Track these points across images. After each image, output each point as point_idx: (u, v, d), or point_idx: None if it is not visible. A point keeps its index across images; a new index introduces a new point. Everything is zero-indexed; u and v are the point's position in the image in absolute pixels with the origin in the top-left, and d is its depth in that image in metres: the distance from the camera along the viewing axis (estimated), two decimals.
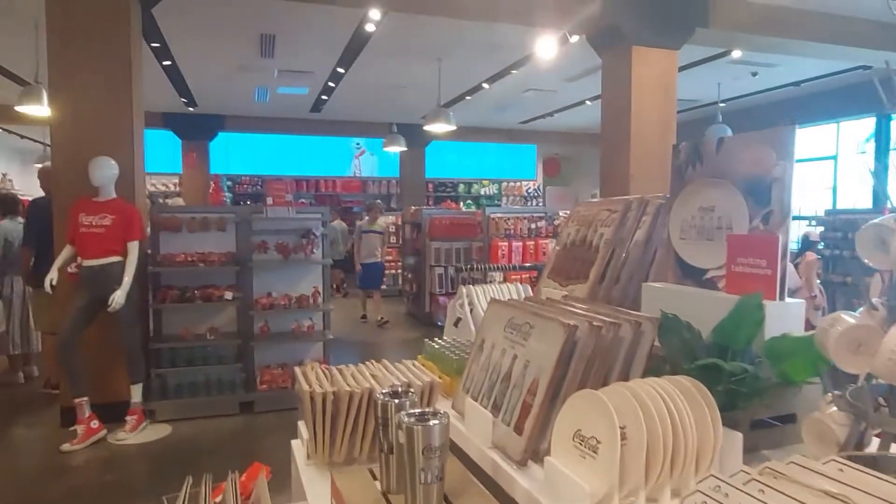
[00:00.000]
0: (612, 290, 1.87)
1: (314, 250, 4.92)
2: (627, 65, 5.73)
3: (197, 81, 9.42)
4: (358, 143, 14.51)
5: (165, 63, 7.94)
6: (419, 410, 1.21)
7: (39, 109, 6.55)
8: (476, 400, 1.50)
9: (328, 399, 1.67)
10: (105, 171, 4.12)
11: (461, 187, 16.47)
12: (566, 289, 1.99)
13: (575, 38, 6.60)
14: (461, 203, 15.35)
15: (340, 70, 8.66)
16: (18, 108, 6.57)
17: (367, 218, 9.17)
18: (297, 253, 4.86)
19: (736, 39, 6.64)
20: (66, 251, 4.19)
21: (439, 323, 8.20)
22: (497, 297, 2.43)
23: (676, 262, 1.61)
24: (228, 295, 4.64)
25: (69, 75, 4.30)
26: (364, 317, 8.91)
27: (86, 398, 4.10)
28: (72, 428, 4.10)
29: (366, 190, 15.72)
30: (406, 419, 1.14)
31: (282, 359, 4.94)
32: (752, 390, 1.19)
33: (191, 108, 11.24)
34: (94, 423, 4.11)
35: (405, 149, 11.54)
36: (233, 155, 13.46)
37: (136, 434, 4.20)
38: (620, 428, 1.00)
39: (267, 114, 12.26)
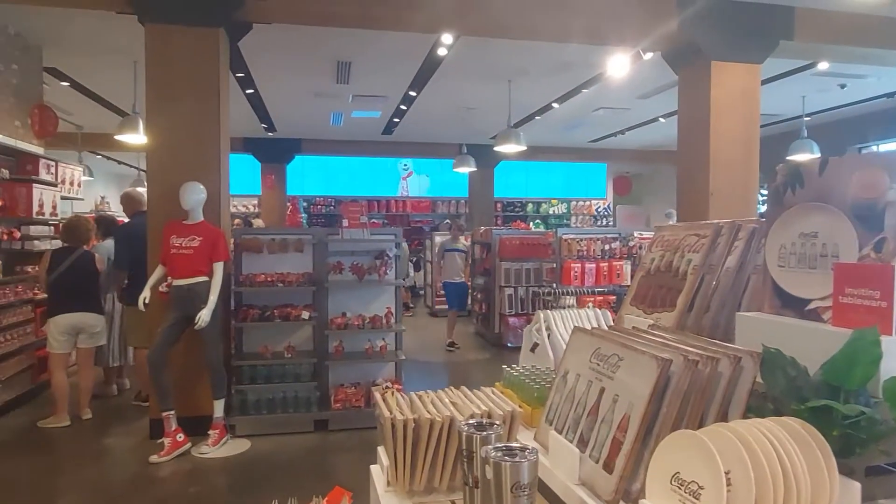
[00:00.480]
0: (701, 319, 1.78)
1: (388, 271, 5.00)
2: (706, 81, 5.55)
3: (276, 108, 9.85)
4: (405, 165, 14.79)
5: (248, 91, 8.35)
6: (506, 445, 1.19)
7: (136, 137, 7.02)
8: (560, 433, 1.46)
9: (409, 426, 1.66)
10: (194, 195, 4.35)
11: (530, 207, 16.37)
12: (651, 317, 1.92)
13: (649, 56, 6.47)
14: (530, 223, 15.23)
15: (412, 93, 8.84)
16: (118, 137, 7.07)
17: (449, 236, 9.07)
18: (371, 274, 4.95)
19: (822, 51, 6.30)
20: (158, 271, 4.44)
21: (509, 344, 8.12)
22: (579, 325, 2.37)
23: (774, 290, 1.51)
24: (305, 314, 4.77)
25: (164, 106, 4.59)
26: (452, 344, 8.27)
27: (172, 412, 4.30)
28: (159, 440, 4.30)
29: (435, 210, 15.88)
30: (493, 454, 1.12)
31: (355, 378, 5.02)
32: (870, 435, 1.10)
33: (270, 133, 11.77)
34: (180, 437, 4.29)
35: (474, 169, 11.60)
36: (308, 177, 13.96)
37: (217, 448, 4.36)
38: (725, 473, 0.94)
39: (341, 137, 12.66)
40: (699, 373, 1.20)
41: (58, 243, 6.36)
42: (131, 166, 15.30)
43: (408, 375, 5.34)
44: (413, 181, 14.98)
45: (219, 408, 4.44)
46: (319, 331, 4.94)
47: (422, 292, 12.80)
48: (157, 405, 4.35)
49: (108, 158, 14.03)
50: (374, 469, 1.98)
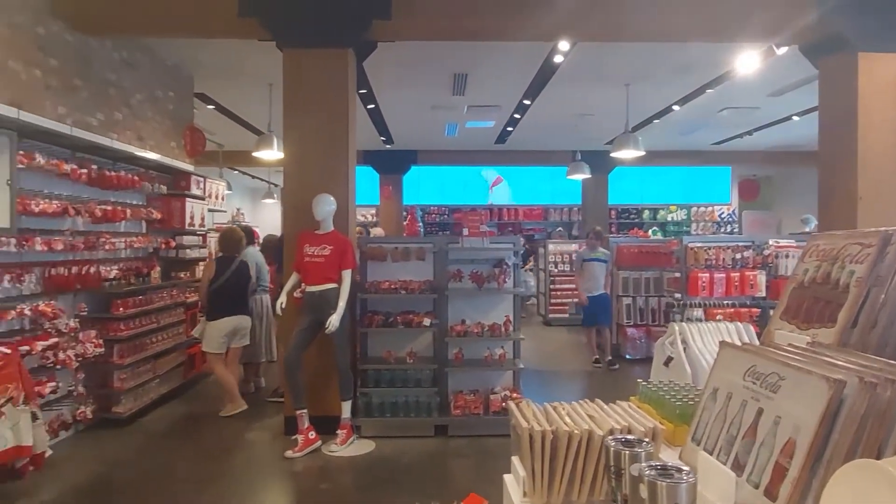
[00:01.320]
0: (867, 336, 1.64)
1: (507, 280, 5.02)
2: (852, 73, 5.08)
3: (394, 121, 10.24)
4: (492, 173, 14.76)
5: (370, 107, 8.75)
6: (660, 464, 1.16)
7: (270, 153, 7.61)
8: (711, 454, 1.40)
9: (547, 438, 1.66)
10: (326, 206, 4.63)
11: (646, 213, 15.74)
12: (806, 333, 1.78)
13: (783, 50, 6.03)
14: (648, 230, 14.65)
15: (526, 102, 8.84)
16: (255, 154, 7.69)
17: (585, 246, 8.12)
18: (490, 282, 5.00)
19: None
20: (293, 278, 4.77)
21: (627, 356, 7.85)
22: (721, 339, 2.25)
23: None
24: (427, 321, 4.91)
25: (299, 124, 4.93)
26: (597, 360, 7.58)
27: (305, 410, 4.59)
28: (293, 437, 4.60)
29: (547, 218, 15.73)
30: (649, 473, 1.10)
31: (473, 385, 5.08)
32: None
33: (388, 146, 12.24)
34: (312, 434, 4.56)
35: (589, 176, 11.36)
36: (422, 186, 14.37)
37: (345, 447, 4.58)
38: None
39: (455, 147, 12.90)
40: (878, 397, 1.10)
41: (205, 252, 7.06)
42: (263, 180, 16.55)
43: (525, 385, 5.31)
44: (501, 189, 14.96)
45: (346, 409, 4.67)
46: (440, 338, 5.05)
47: (534, 300, 12.69)
48: (290, 404, 4.65)
49: (244, 173, 15.26)
50: (508, 479, 2.00)
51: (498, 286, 4.99)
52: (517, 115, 9.78)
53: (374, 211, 14.55)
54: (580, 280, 7.78)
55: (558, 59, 6.65)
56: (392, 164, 13.09)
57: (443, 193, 14.72)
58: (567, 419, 1.78)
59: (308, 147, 4.94)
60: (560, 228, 14.82)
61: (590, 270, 7.59)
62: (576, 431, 1.66)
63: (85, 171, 4.74)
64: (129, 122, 5.87)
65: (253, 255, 6.13)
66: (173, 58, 6.70)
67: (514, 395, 4.89)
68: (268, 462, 4.48)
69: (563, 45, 6.20)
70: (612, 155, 8.76)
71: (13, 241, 4.01)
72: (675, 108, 9.14)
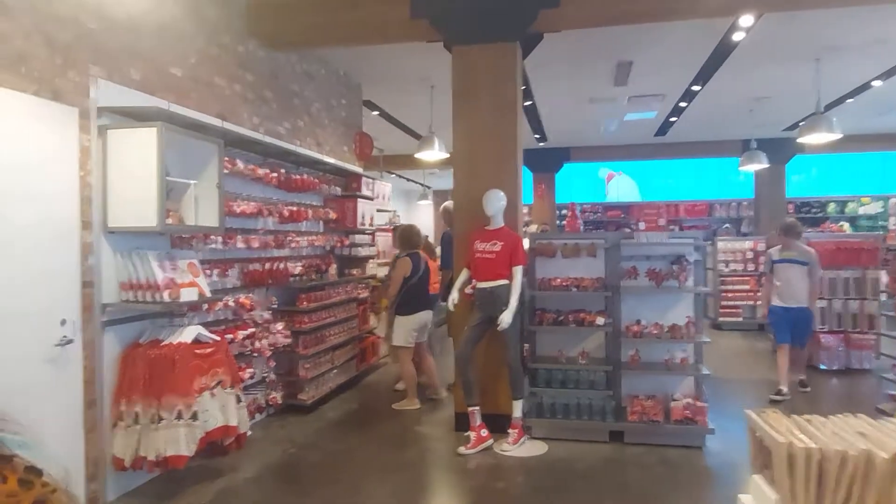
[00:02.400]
0: None
1: (688, 277, 4.64)
2: None
3: (550, 117, 10.04)
4: (605, 170, 13.92)
5: (526, 104, 8.63)
6: None
7: (432, 154, 7.79)
8: None
9: (814, 458, 1.42)
10: (497, 202, 4.59)
11: (831, 207, 13.95)
12: None
13: None
14: (839, 224, 12.98)
15: (695, 88, 8.20)
16: (417, 155, 7.92)
17: (778, 244, 6.20)
18: (669, 280, 4.65)
19: None
20: (464, 274, 4.79)
21: (822, 367, 6.96)
22: None
23: None
24: (600, 320, 4.68)
25: (468, 121, 4.95)
26: (802, 383, 6.21)
27: (477, 407, 4.58)
28: (465, 433, 4.61)
29: (712, 214, 14.55)
30: None
31: (650, 389, 4.75)
32: None
33: (541, 143, 12.06)
34: (484, 432, 4.54)
35: (765, 166, 10.31)
36: (574, 183, 13.98)
37: (517, 447, 4.50)
38: None
39: (610, 142, 12.39)
40: None
41: (373, 250, 7.40)
42: (417, 183, 17.18)
43: (707, 393, 4.87)
44: (619, 183, 14.00)
45: (517, 408, 4.59)
46: (613, 338, 4.80)
47: None
48: (463, 400, 4.66)
49: (400, 176, 15.92)
50: (745, 500, 1.77)
51: (679, 284, 4.62)
52: (683, 104, 9.12)
53: (526, 210, 14.43)
54: (768, 286, 6.17)
55: (738, 36, 6.06)
56: (545, 162, 12.88)
57: (595, 191, 14.22)
58: (831, 435, 1.52)
59: (477, 143, 4.94)
60: (727, 225, 13.65)
61: (784, 275, 5.91)
62: (851, 452, 1.40)
63: (275, 175, 5.14)
64: (310, 130, 6.30)
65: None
66: (344, 68, 7.09)
67: (698, 403, 4.50)
68: (441, 456, 4.53)
69: (746, 21, 5.63)
70: (800, 140, 7.79)
71: (220, 239, 4.44)
72: (876, 83, 7.97)
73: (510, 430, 4.56)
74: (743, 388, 6.39)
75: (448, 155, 7.94)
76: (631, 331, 4.68)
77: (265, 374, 5.09)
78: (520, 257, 4.55)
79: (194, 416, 3.58)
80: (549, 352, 4.94)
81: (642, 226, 4.60)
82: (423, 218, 17.95)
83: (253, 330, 4.77)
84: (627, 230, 5.91)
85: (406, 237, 6.03)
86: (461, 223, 4.99)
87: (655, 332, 4.64)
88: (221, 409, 3.85)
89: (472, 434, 4.53)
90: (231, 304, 4.55)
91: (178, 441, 3.53)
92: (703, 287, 4.80)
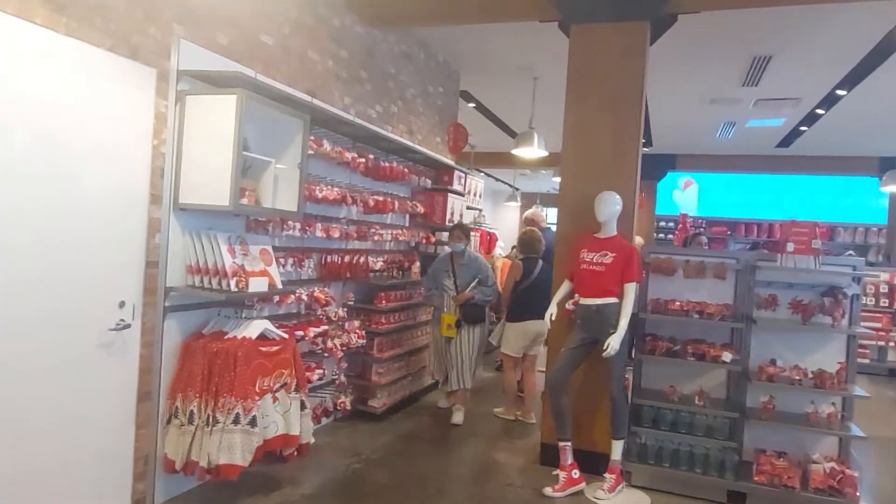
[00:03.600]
0: None
1: (844, 314, 3.79)
2: None
3: (660, 119, 9.15)
4: (683, 178, 12.56)
5: None
6: None
7: (530, 151, 7.16)
8: None
9: None
10: (611, 206, 3.94)
11: None
12: None
13: None
14: None
15: (840, 92, 7.11)
16: (514, 151, 7.32)
17: None
18: (819, 315, 3.82)
19: None
20: (565, 287, 4.16)
21: None
22: None
23: None
24: (727, 356, 3.91)
25: (583, 112, 4.31)
26: None
27: (569, 443, 3.94)
28: (553, 472, 3.98)
29: (833, 237, 12.98)
30: None
31: (781, 446, 3.94)
32: None
33: (645, 148, 11.12)
34: (575, 473, 3.90)
35: None
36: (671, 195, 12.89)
37: (613, 496, 3.83)
38: None
39: (723, 151, 11.28)
40: None
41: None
42: (506, 183, 16.58)
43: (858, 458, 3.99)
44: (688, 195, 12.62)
45: (617, 449, 3.91)
46: (740, 379, 4.02)
47: None
48: (554, 432, 4.04)
49: (488, 175, 15.37)
50: None
51: (833, 322, 3.77)
52: (820, 111, 8.00)
53: None
54: None
55: None
56: (648, 168, 11.78)
57: (702, 204, 13.02)
58: None
59: (591, 138, 4.28)
60: (851, 252, 12.13)
61: None
62: None
63: (363, 160, 4.70)
64: (403, 116, 5.85)
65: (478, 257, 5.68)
66: (444, 53, 6.61)
67: (847, 470, 3.65)
68: (524, 495, 3.91)
69: None
70: None
71: (298, 225, 4.05)
72: None
73: (606, 475, 3.89)
74: (886, 449, 5.36)
75: (546, 154, 7.31)
76: (764, 372, 3.88)
77: (335, 376, 4.67)
78: (634, 272, 3.87)
79: (253, 422, 3.18)
80: (657, 386, 4.22)
81: (790, 247, 3.78)
82: (509, 220, 17.33)
83: (326, 328, 4.35)
84: (765, 251, 5.02)
85: (527, 242, 5.52)
86: (565, 227, 4.36)
87: (796, 376, 3.82)
88: (284, 415, 3.44)
89: (562, 474, 3.90)
90: (304, 297, 4.14)
91: (233, 449, 3.13)
92: (860, 327, 3.92)
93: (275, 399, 3.40)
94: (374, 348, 5.01)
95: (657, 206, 12.54)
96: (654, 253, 4.37)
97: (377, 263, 5.13)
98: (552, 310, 4.11)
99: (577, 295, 4.04)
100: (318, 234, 4.25)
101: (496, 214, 18.11)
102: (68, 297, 2.77)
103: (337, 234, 4.47)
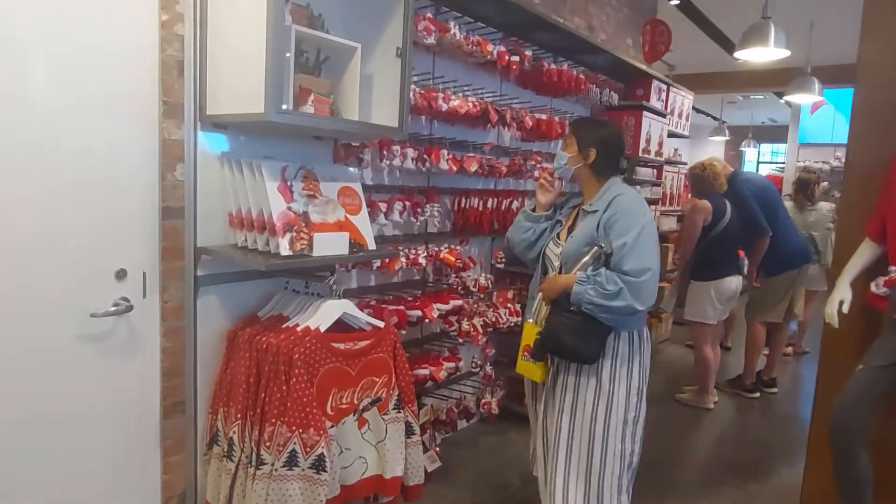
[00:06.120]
0: None
1: None
2: None
3: None
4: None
5: None
6: None
7: (764, 53, 5.01)
8: None
9: None
10: None
11: None
12: None
13: None
14: None
15: None
16: (737, 54, 5.21)
17: None
18: None
19: None
20: (865, 251, 2.34)
21: None
22: None
23: None
24: None
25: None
26: None
27: None
28: None
29: None
30: None
31: None
32: None
33: None
34: None
35: None
36: None
37: None
38: None
39: None
40: None
41: (658, 191, 5.15)
42: (709, 115, 13.83)
43: None
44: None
45: None
46: None
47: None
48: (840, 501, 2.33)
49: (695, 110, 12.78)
50: None
51: None
52: None
53: None
54: None
55: None
56: None
57: None
58: None
59: None
60: None
61: None
62: None
63: (516, 59, 3.18)
64: (580, 6, 4.19)
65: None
66: None
67: None
68: None
69: None
70: None
71: (409, 151, 2.70)
72: None
73: None
74: None
75: (788, 53, 5.12)
76: None
77: (477, 367, 3.37)
78: None
79: (319, 464, 1.98)
80: None
81: None
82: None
83: (460, 302, 3.03)
84: None
85: (705, 178, 4.15)
86: (858, 156, 2.48)
87: None
88: (377, 446, 2.21)
89: None
90: (422, 259, 2.83)
91: (289, 503, 1.98)
92: None
93: (361, 423, 2.17)
94: None
95: None
96: None
97: None
98: (842, 294, 2.31)
99: (892, 268, 2.20)
100: (444, 165, 2.87)
101: (695, 151, 15.34)
102: (28, 268, 1.75)
103: (475, 168, 3.05)
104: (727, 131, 14.37)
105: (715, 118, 13.66)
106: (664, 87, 4.71)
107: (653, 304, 2.06)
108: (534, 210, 2.40)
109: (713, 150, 15.14)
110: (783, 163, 11.75)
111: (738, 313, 5.10)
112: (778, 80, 7.51)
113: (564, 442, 2.14)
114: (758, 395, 4.51)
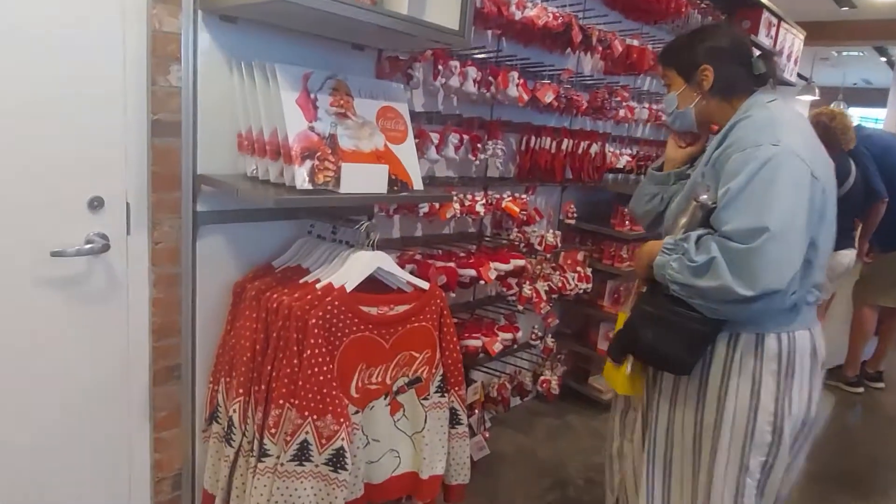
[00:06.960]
0: None
1: None
2: None
3: None
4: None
5: None
6: None
7: None
8: None
9: None
10: None
11: None
12: None
13: None
14: None
15: None
16: None
17: None
18: None
19: None
20: None
21: None
22: None
23: None
24: None
25: None
26: None
27: None
28: None
29: None
30: None
31: None
32: None
33: None
34: None
35: None
36: None
37: None
38: None
39: None
40: None
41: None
42: (799, 76, 12.55)
43: None
44: None
45: None
46: None
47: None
48: None
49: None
50: None
51: None
52: None
53: None
54: None
55: None
56: None
57: None
58: None
59: None
60: None
61: None
62: None
63: None
64: None
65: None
66: None
67: None
68: None
69: None
70: None
71: (471, 70, 2.15)
72: None
73: None
74: None
75: None
76: None
77: (537, 339, 2.88)
78: None
79: (338, 460, 1.55)
80: None
81: None
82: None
83: (523, 262, 2.52)
84: None
85: (824, 127, 3.43)
86: None
87: None
88: (413, 437, 1.76)
89: None
90: (479, 208, 2.31)
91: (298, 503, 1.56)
92: None
93: (395, 408, 1.72)
94: (605, 297, 3.08)
95: None
96: None
97: (621, 158, 3.06)
98: None
99: None
100: (515, 92, 2.31)
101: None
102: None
103: (550, 98, 2.48)
104: (817, 91, 13.06)
105: (805, 78, 12.38)
106: (775, 21, 3.94)
107: (784, 287, 1.33)
108: (660, 170, 1.78)
109: (799, 109, 13.87)
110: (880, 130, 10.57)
111: (839, 292, 4.41)
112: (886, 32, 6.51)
113: (660, 483, 1.60)
114: (861, 389, 3.87)
